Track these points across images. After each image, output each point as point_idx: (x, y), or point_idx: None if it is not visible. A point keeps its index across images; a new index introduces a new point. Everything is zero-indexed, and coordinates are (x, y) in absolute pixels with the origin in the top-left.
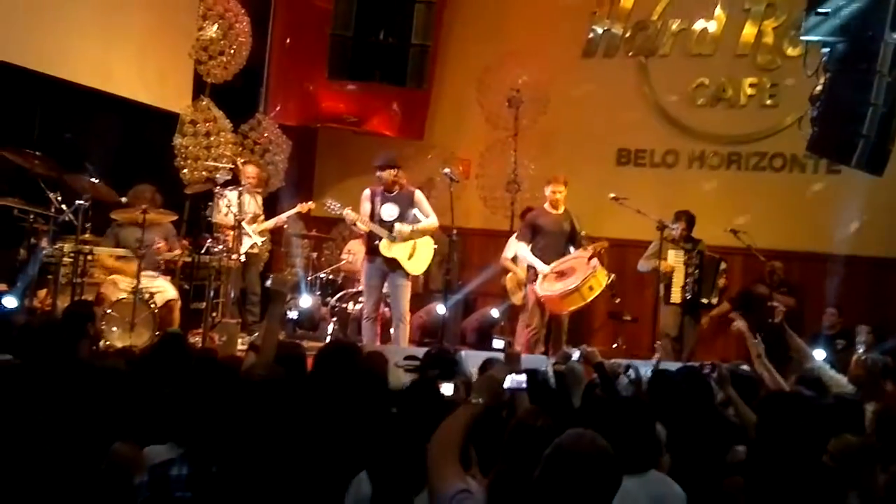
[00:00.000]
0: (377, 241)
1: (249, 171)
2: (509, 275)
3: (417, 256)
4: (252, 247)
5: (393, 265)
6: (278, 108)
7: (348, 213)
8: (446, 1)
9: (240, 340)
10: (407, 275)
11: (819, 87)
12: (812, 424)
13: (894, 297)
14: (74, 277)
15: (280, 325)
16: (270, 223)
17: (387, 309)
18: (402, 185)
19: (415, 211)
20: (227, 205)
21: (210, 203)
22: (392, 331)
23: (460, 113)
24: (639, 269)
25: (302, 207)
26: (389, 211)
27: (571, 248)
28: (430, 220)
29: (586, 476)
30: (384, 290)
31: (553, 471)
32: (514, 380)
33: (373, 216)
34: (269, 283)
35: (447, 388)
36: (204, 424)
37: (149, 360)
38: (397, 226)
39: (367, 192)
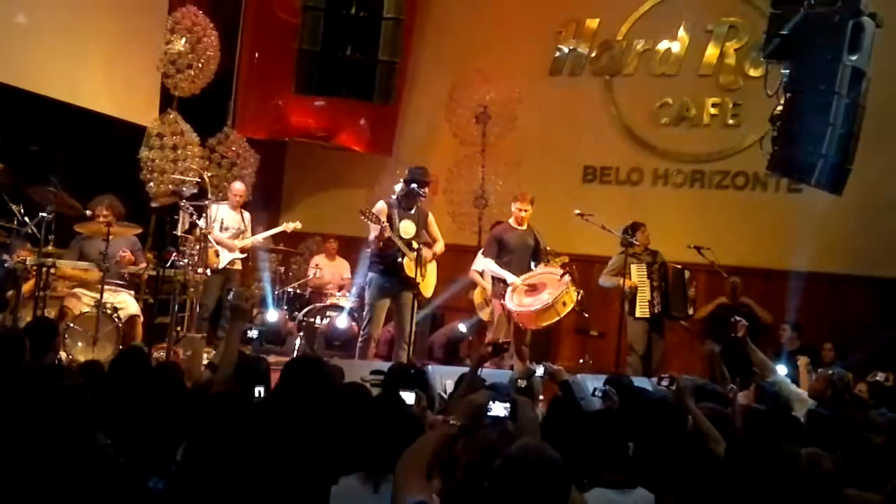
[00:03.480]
0: (400, 259)
1: (237, 188)
2: (477, 289)
3: (429, 278)
4: (233, 262)
5: (409, 285)
6: (246, 122)
7: (385, 225)
8: (415, 18)
9: (205, 355)
10: (418, 297)
11: (779, 108)
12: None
13: (855, 313)
14: (37, 290)
15: (240, 342)
16: (250, 241)
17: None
18: (420, 204)
19: (424, 232)
20: (214, 219)
21: (176, 216)
22: (396, 352)
23: (428, 129)
24: (600, 284)
25: (287, 227)
26: (408, 228)
27: (533, 264)
28: (440, 244)
29: (534, 486)
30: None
31: (502, 481)
32: (496, 408)
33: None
34: (230, 297)
35: (408, 397)
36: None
37: (109, 374)
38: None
39: (382, 204)
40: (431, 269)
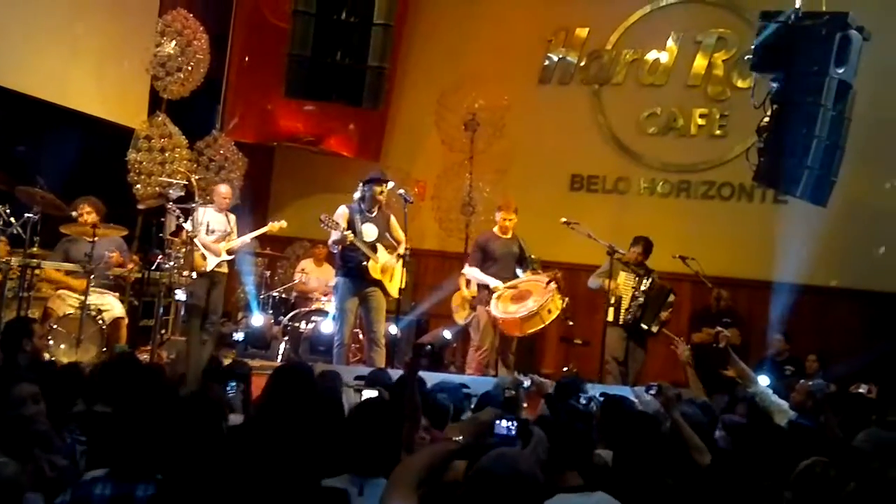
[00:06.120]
0: (365, 262)
1: (223, 191)
2: (457, 292)
3: (395, 278)
4: (220, 265)
5: (375, 286)
6: (235, 126)
7: (348, 234)
8: (404, 24)
9: None
10: (386, 297)
11: (766, 119)
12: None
13: (839, 325)
14: (21, 291)
15: (198, 338)
16: (237, 242)
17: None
18: (382, 206)
19: (387, 234)
20: (200, 222)
21: (162, 219)
22: (369, 355)
23: (417, 135)
24: (588, 285)
25: (272, 227)
26: (370, 231)
27: (519, 271)
28: (403, 245)
29: (505, 497)
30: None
31: (474, 492)
32: (503, 426)
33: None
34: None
35: (369, 394)
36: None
37: (98, 378)
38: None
39: (344, 209)
40: (397, 269)
